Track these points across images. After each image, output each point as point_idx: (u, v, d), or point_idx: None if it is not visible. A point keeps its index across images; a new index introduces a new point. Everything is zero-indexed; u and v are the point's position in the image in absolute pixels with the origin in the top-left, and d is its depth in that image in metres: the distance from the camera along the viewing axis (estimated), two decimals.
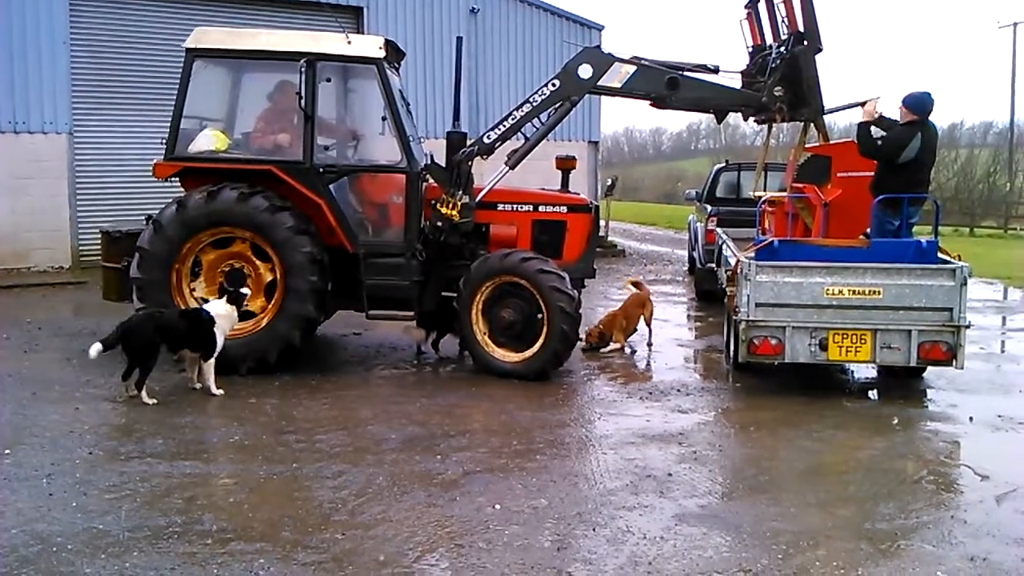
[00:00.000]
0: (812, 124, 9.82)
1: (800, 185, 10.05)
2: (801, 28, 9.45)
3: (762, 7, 10.15)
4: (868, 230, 9.45)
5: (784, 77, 9.44)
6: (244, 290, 8.52)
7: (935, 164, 9.35)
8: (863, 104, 9.72)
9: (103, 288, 10.25)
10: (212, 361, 8.14)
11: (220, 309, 8.20)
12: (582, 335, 9.69)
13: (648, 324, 10.99)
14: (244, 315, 8.87)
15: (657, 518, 5.60)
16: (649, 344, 10.89)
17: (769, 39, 10.08)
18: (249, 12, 18.12)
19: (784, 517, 5.65)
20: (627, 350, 10.66)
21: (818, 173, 9.82)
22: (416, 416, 7.65)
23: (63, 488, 5.81)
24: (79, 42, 16.43)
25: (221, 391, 8.12)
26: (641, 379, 9.41)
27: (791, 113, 9.64)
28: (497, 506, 5.68)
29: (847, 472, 6.61)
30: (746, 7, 10.40)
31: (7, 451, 6.48)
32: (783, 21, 9.75)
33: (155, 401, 7.76)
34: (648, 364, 10.20)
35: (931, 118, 9.28)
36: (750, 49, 10.35)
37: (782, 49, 9.61)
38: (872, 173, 9.34)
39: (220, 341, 8.15)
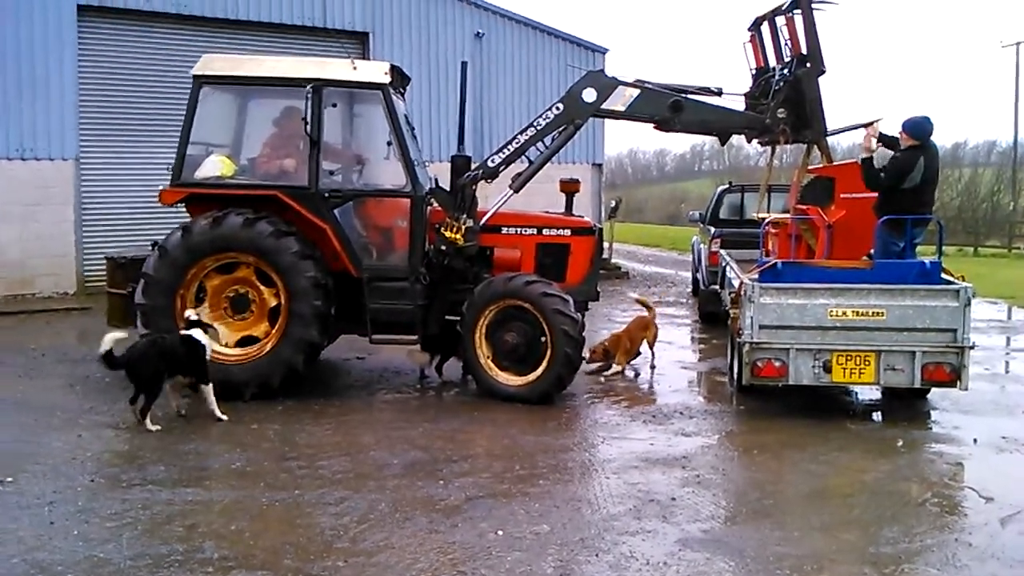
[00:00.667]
0: (816, 145, 9.84)
1: (804, 206, 10.06)
2: (804, 50, 9.49)
3: (765, 30, 10.20)
4: (872, 251, 9.46)
5: (787, 99, 9.46)
6: (189, 312, 8.45)
7: (938, 184, 9.34)
8: (866, 125, 9.74)
9: (108, 314, 10.27)
10: (211, 386, 8.16)
11: (202, 336, 8.23)
12: (586, 354, 9.75)
13: (651, 347, 10.99)
14: (247, 340, 8.92)
15: (660, 543, 5.57)
16: (652, 366, 10.88)
17: (772, 61, 10.12)
18: (255, 38, 18.25)
19: (788, 541, 5.63)
20: (630, 373, 10.65)
21: (821, 194, 9.84)
22: (419, 441, 7.64)
23: (65, 516, 5.81)
24: (87, 69, 16.56)
25: (226, 416, 8.12)
26: (644, 402, 9.39)
27: (794, 135, 9.66)
28: (500, 532, 5.67)
29: (851, 495, 6.59)
30: (749, 29, 10.44)
31: (9, 478, 6.48)
32: (786, 44, 9.80)
33: (158, 428, 7.76)
34: (651, 387, 10.18)
35: (933, 139, 9.30)
36: (753, 71, 10.38)
37: (785, 71, 9.63)
38: (870, 194, 9.35)
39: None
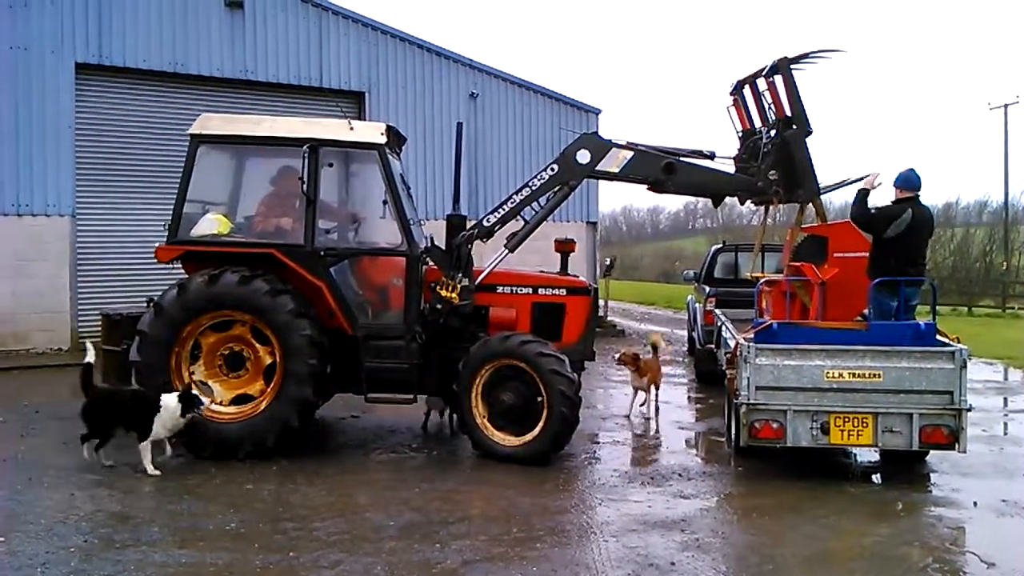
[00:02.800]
0: (810, 204, 9.90)
1: (797, 264, 10.07)
2: (788, 113, 9.58)
3: (747, 93, 10.29)
4: (865, 311, 9.49)
5: (777, 162, 9.53)
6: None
7: (931, 243, 9.42)
8: (859, 180, 9.84)
9: (102, 371, 10.23)
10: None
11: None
12: (617, 354, 11.85)
13: (656, 388, 11.94)
14: (242, 399, 8.88)
15: None
16: (656, 409, 11.85)
17: (758, 123, 10.18)
18: (252, 97, 18.47)
19: None
20: (630, 432, 10.61)
21: (815, 253, 9.86)
22: (415, 502, 7.56)
23: None
24: (84, 126, 16.72)
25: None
26: (642, 463, 9.33)
27: (787, 196, 9.72)
28: None
29: (852, 559, 6.53)
30: (731, 94, 10.51)
31: (1, 539, 6.39)
32: (770, 107, 9.89)
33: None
34: (649, 447, 10.12)
35: (924, 199, 9.42)
36: (740, 134, 10.43)
37: (772, 133, 9.71)
38: (863, 254, 9.43)
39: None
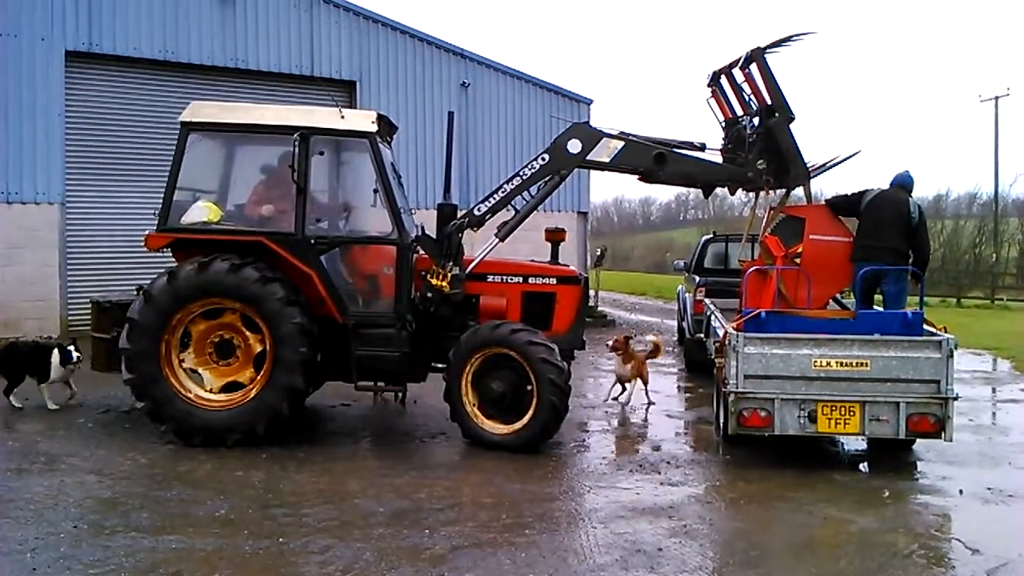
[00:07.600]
0: (799, 188, 9.91)
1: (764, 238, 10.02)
2: (768, 101, 9.59)
3: (725, 83, 10.28)
4: (837, 296, 9.64)
5: (763, 150, 9.55)
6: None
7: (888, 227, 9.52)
8: (850, 158, 9.92)
9: (92, 358, 10.24)
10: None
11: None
12: (611, 341, 11.76)
13: (644, 382, 11.82)
14: (232, 386, 8.89)
15: None
16: (649, 403, 11.71)
17: (739, 111, 10.17)
18: (243, 86, 18.41)
19: None
20: (619, 421, 10.66)
21: (791, 233, 9.85)
22: (404, 489, 7.58)
23: (47, 563, 5.73)
24: (74, 114, 16.66)
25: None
26: (631, 451, 9.37)
27: (778, 183, 9.73)
28: None
29: (838, 546, 6.58)
30: (709, 85, 10.49)
31: None
32: (749, 97, 9.90)
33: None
34: (638, 436, 10.16)
35: (908, 193, 9.60)
36: (723, 124, 10.43)
37: (754, 121, 9.73)
38: (838, 238, 9.56)
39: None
